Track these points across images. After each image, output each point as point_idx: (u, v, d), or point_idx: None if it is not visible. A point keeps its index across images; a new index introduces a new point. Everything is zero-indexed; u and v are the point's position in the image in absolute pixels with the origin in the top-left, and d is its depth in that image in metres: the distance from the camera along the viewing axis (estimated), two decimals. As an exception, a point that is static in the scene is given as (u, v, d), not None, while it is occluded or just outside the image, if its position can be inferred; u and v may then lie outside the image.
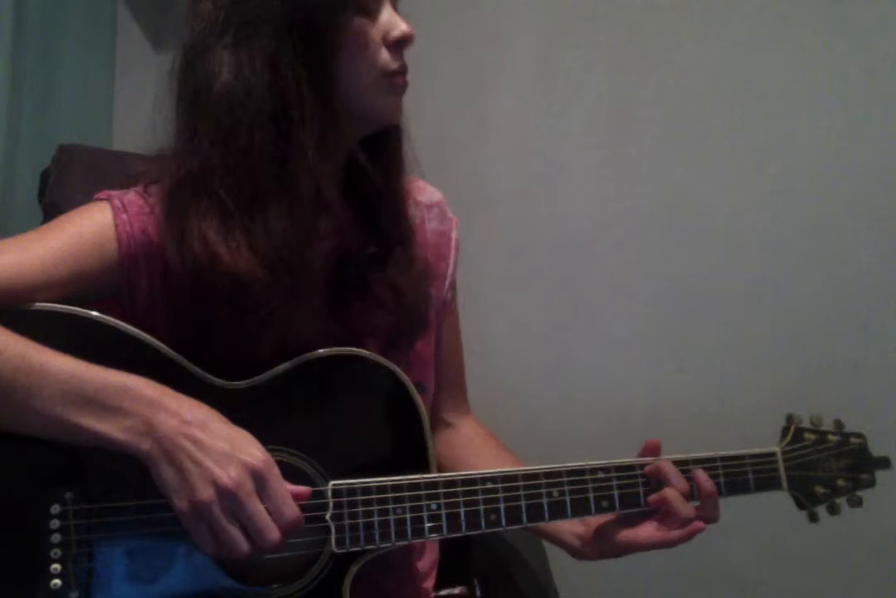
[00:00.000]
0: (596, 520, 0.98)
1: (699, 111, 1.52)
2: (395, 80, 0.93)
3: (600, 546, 0.98)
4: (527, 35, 1.73)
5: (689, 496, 0.93)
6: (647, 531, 0.93)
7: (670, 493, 0.92)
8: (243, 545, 0.76)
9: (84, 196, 0.95)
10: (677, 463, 0.95)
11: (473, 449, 1.13)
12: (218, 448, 0.76)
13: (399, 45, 0.92)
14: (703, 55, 1.52)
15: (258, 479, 0.77)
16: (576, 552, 1.02)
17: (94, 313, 0.85)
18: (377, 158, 0.95)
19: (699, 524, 0.92)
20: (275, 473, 0.78)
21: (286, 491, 0.78)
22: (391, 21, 0.91)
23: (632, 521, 0.95)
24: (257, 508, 0.76)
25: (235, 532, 0.76)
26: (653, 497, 0.93)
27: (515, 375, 1.62)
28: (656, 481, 0.94)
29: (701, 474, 0.94)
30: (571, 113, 1.67)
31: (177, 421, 0.77)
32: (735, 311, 1.49)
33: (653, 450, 0.97)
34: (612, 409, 1.60)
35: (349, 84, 0.90)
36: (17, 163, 1.99)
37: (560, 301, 1.68)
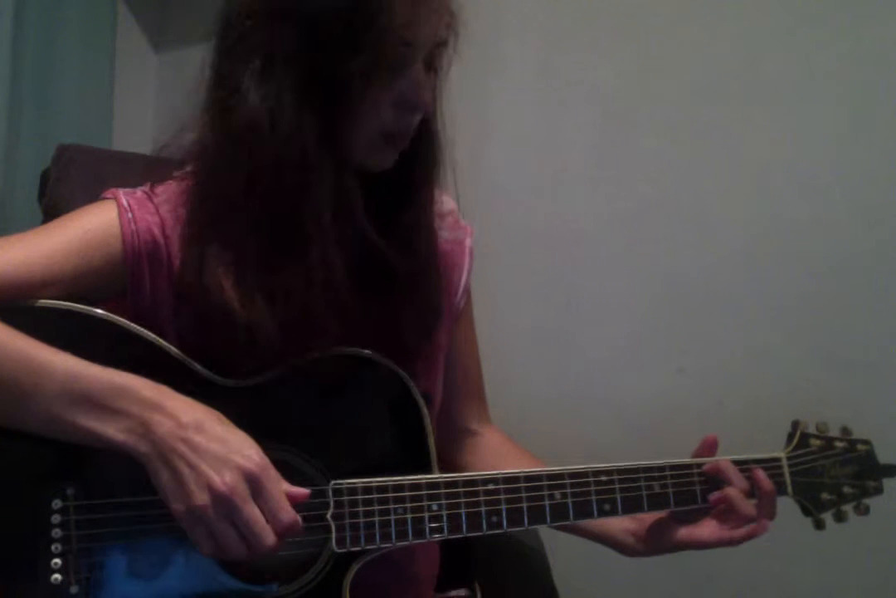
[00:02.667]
0: (649, 517, 0.98)
1: (699, 111, 1.52)
2: (392, 141, 0.90)
3: (657, 543, 0.98)
4: (527, 35, 1.72)
5: (748, 495, 0.93)
6: (710, 528, 0.94)
7: (732, 491, 0.92)
8: (240, 548, 0.76)
9: (84, 196, 0.94)
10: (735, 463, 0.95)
11: (501, 455, 1.12)
12: (213, 451, 0.75)
13: (409, 111, 0.89)
14: (704, 55, 1.52)
15: (253, 482, 0.75)
16: (628, 549, 1.01)
17: (98, 311, 0.84)
18: (406, 178, 0.93)
19: (766, 523, 0.92)
20: (271, 475, 0.77)
21: (282, 495, 0.77)
22: (413, 86, 0.87)
23: (689, 518, 0.95)
24: (252, 513, 0.75)
25: (232, 537, 0.75)
26: (715, 495, 0.93)
27: (515, 375, 1.61)
28: (715, 479, 0.94)
29: (760, 474, 0.94)
30: (571, 113, 1.67)
31: (173, 423, 0.76)
32: (735, 311, 1.48)
33: (710, 446, 0.96)
34: (611, 409, 1.59)
35: (350, 137, 0.87)
36: (17, 163, 1.99)
37: (559, 301, 1.67)
